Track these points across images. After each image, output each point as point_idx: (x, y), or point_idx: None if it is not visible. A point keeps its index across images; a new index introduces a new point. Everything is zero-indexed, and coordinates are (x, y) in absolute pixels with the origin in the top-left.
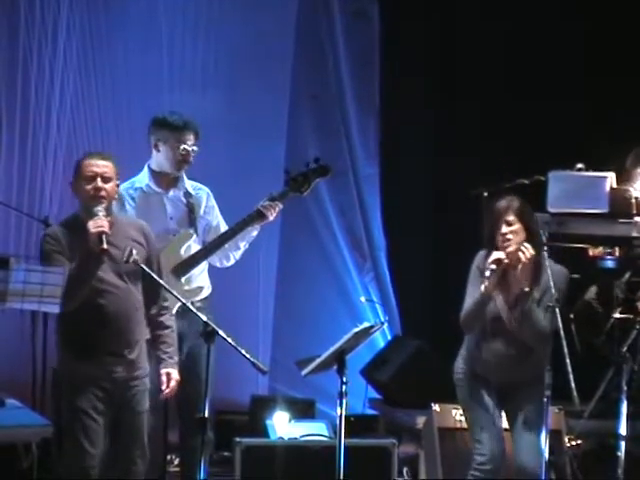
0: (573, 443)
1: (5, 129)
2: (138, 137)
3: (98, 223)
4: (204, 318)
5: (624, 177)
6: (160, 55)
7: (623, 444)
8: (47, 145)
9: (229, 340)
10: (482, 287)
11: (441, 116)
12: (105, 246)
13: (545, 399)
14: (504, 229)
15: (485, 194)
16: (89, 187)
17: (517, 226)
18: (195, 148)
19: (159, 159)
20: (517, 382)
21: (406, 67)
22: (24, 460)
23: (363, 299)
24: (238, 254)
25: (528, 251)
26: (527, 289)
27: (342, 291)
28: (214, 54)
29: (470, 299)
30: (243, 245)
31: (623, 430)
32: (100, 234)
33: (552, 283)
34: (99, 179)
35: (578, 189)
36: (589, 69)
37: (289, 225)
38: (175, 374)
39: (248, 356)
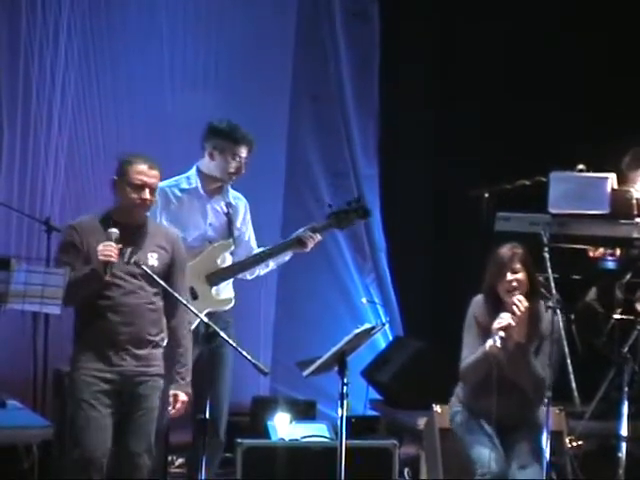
0: (574, 444)
1: (7, 130)
2: (139, 137)
3: (107, 252)
4: (205, 319)
5: (621, 180)
6: (161, 56)
7: (624, 445)
8: (48, 146)
9: (230, 342)
10: (487, 346)
11: (441, 116)
12: (107, 277)
13: (546, 400)
14: (509, 276)
15: (486, 195)
16: (135, 196)
17: (522, 275)
18: (247, 161)
19: (211, 166)
20: (513, 424)
21: (406, 67)
22: (25, 461)
23: (364, 300)
24: (264, 271)
25: (522, 304)
26: (523, 341)
27: (343, 292)
28: (215, 55)
29: (468, 351)
30: (272, 265)
31: (624, 431)
32: (106, 263)
33: (552, 284)
34: (147, 190)
35: (579, 190)
36: (589, 69)
37: (290, 226)
38: (182, 396)
39: (249, 357)
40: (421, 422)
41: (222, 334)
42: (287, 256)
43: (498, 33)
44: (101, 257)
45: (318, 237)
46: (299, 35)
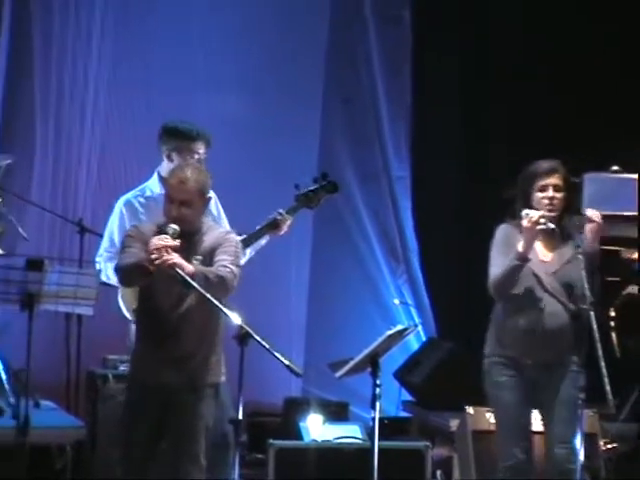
0: (608, 446)
1: (39, 131)
2: None
3: (159, 244)
4: (238, 321)
5: None
6: (194, 60)
7: None
8: (81, 147)
9: (263, 343)
10: (519, 247)
11: (473, 118)
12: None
13: (580, 402)
14: (551, 192)
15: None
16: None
17: (562, 194)
18: (205, 156)
19: (171, 168)
20: (551, 363)
21: (438, 71)
22: (58, 461)
23: (397, 301)
24: (243, 260)
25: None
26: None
27: (375, 293)
28: (247, 60)
29: (497, 268)
30: (249, 253)
31: None
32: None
33: (586, 285)
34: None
35: (612, 191)
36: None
37: (321, 228)
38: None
39: (282, 359)
40: (454, 424)
41: (255, 336)
42: (263, 240)
43: (532, 35)
44: (150, 249)
45: (290, 219)
46: (331, 39)
